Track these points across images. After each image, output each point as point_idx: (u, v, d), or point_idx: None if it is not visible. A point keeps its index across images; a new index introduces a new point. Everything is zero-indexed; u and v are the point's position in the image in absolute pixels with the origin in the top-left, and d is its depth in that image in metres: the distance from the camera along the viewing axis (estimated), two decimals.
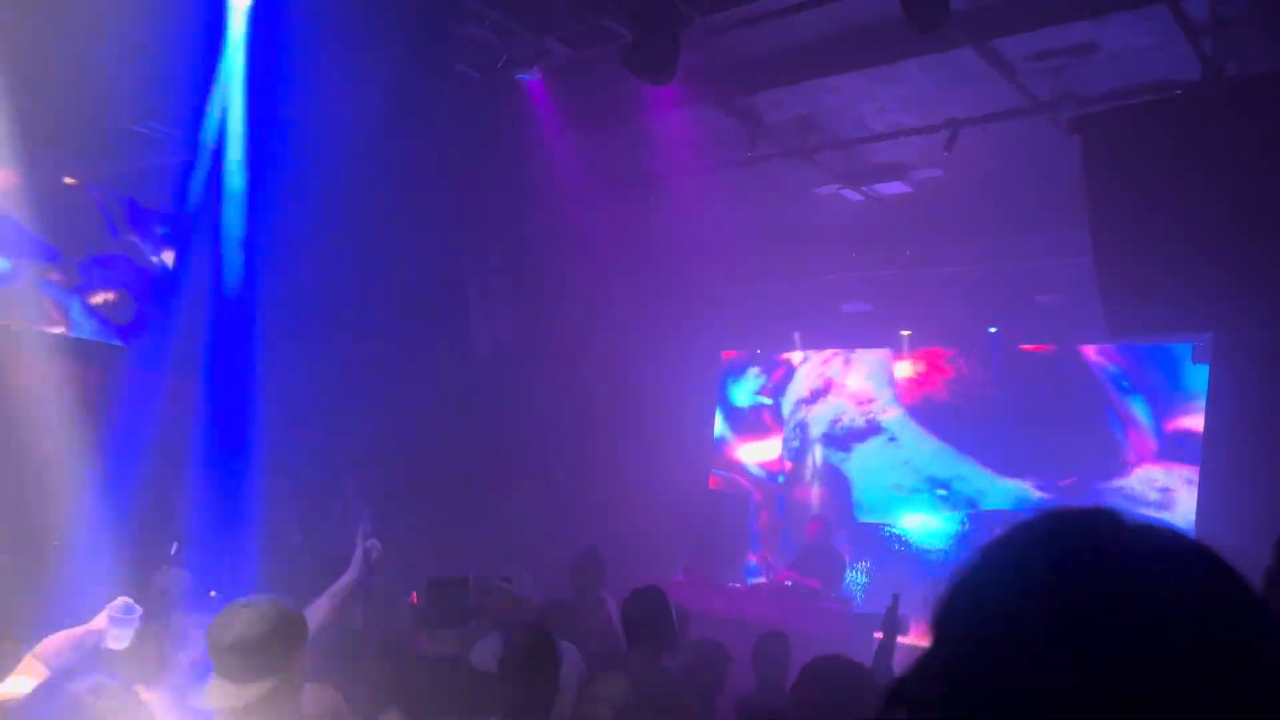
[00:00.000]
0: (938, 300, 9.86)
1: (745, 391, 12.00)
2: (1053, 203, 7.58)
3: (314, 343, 9.60)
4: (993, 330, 9.89)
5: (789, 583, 8.51)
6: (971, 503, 9.82)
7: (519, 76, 7.20)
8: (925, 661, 0.85)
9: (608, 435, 10.23)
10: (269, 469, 8.93)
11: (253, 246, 9.67)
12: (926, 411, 10.45)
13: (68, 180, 9.17)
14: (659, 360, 10.90)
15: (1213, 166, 5.87)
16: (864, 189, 8.84)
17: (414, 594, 5.26)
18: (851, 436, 10.91)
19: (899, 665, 4.23)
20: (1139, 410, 9.31)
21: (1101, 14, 5.87)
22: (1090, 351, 9.63)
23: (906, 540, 10.07)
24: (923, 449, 10.33)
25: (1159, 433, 9.19)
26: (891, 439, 10.61)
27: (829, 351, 11.38)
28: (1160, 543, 0.82)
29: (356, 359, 9.62)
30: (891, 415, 10.71)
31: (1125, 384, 9.43)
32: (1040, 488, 9.43)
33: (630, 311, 10.38)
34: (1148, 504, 8.77)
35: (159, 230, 10.38)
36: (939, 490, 10.05)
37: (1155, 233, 6.12)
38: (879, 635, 5.18)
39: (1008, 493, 9.57)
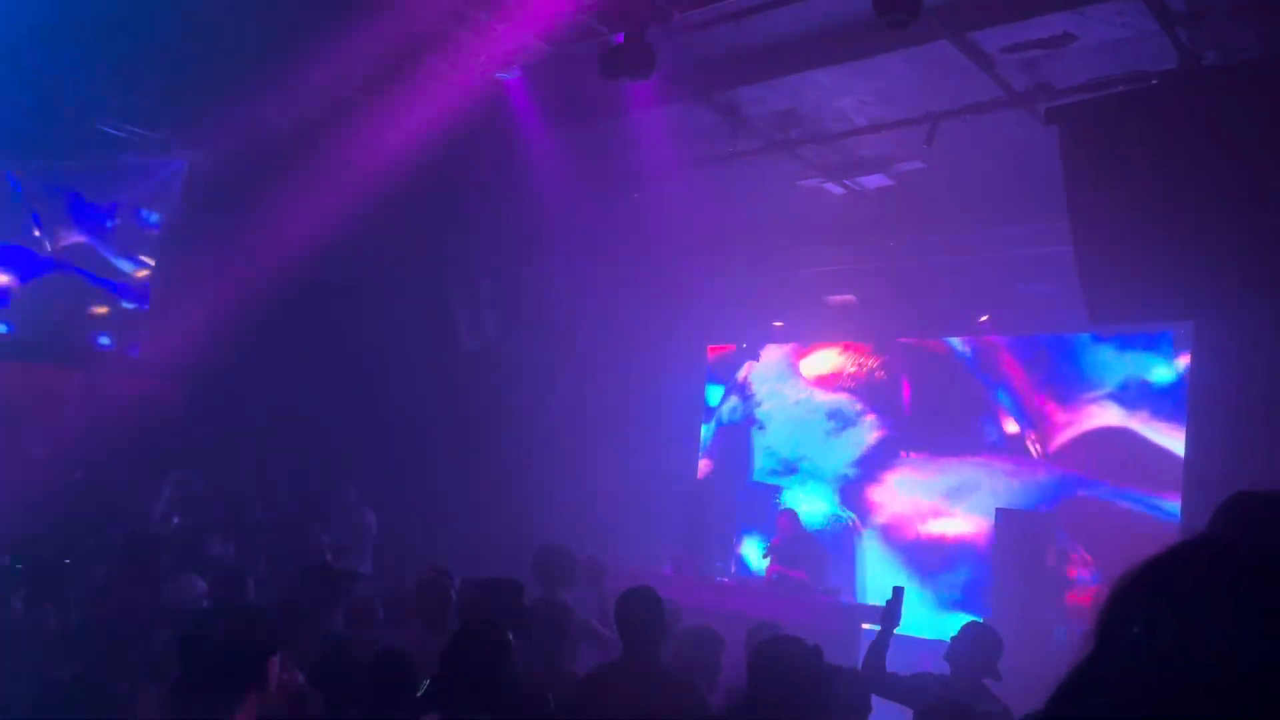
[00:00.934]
0: (923, 290, 9.91)
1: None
2: (1034, 192, 7.62)
3: (293, 344, 9.62)
4: (983, 319, 9.94)
5: (775, 576, 8.54)
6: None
7: (499, 75, 7.19)
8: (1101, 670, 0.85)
9: (594, 429, 10.26)
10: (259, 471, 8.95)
11: (228, 248, 9.67)
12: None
13: None
14: (645, 354, 10.93)
15: (1190, 154, 5.92)
16: (846, 182, 8.86)
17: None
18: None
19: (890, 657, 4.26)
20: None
21: (1079, 5, 5.90)
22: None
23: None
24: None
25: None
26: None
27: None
28: None
29: (339, 356, 9.63)
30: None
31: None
32: None
33: (615, 306, 10.41)
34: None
35: (111, 224, 10.41)
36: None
37: (1134, 220, 6.16)
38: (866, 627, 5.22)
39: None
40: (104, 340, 10.80)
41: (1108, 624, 0.86)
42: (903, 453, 10.41)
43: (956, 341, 10.37)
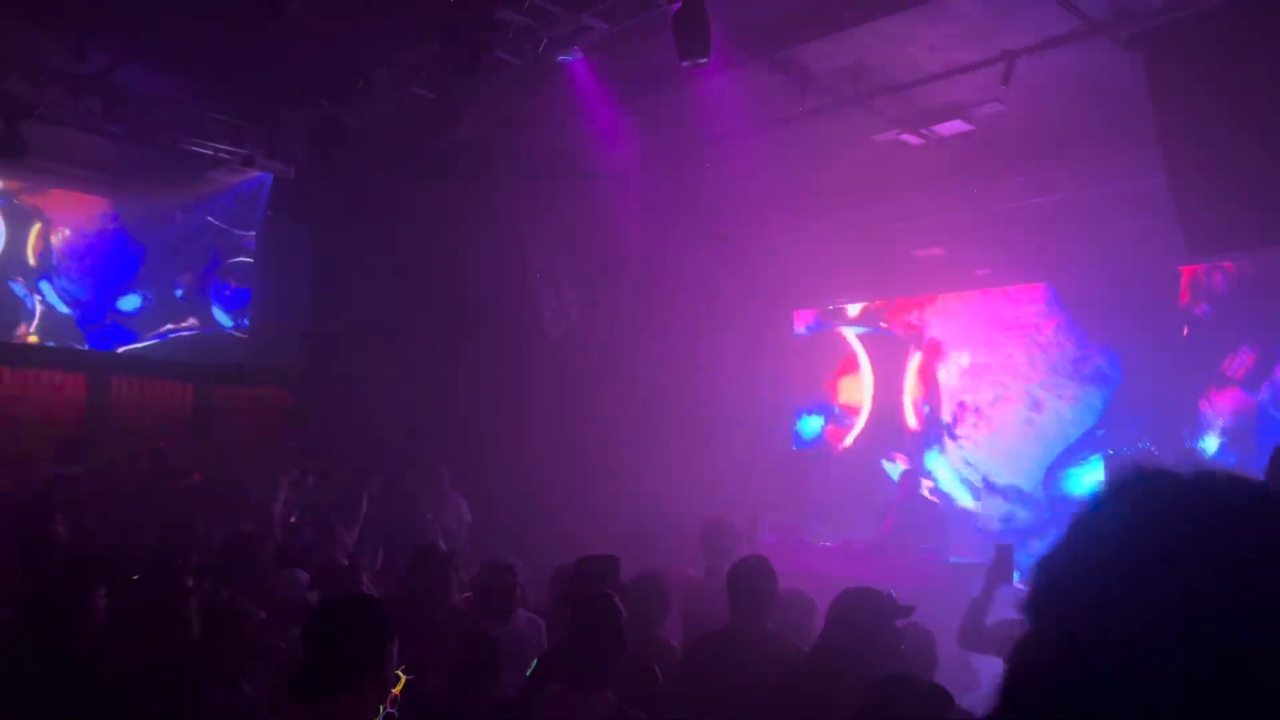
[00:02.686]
0: (1012, 236, 9.60)
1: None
2: (1121, 125, 7.31)
3: (386, 345, 9.87)
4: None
5: (889, 535, 8.46)
6: None
7: (560, 59, 7.21)
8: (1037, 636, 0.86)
9: (683, 402, 10.27)
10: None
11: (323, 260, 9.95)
12: None
13: None
14: (730, 322, 10.87)
15: None
16: (923, 131, 8.63)
17: None
18: None
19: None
20: None
21: None
22: None
23: None
24: None
25: None
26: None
27: None
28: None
29: (432, 346, 9.85)
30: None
31: None
32: None
33: (696, 276, 10.37)
34: None
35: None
36: None
37: (1230, 143, 5.85)
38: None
39: None
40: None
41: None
42: None
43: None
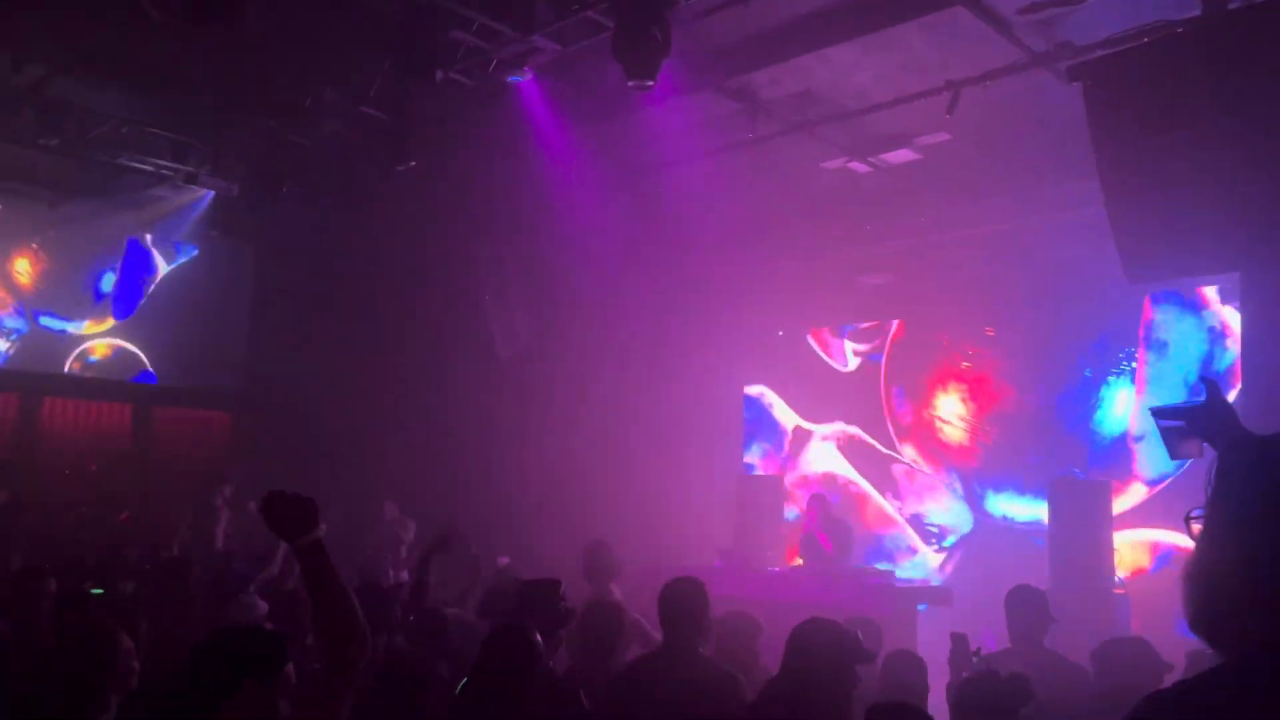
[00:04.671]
0: (960, 264, 9.74)
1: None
2: (1062, 155, 7.46)
3: (327, 365, 9.71)
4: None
5: (799, 561, 8.52)
6: None
7: (510, 79, 7.19)
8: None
9: (633, 427, 10.23)
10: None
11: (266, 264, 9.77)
12: None
13: None
14: (680, 348, 10.87)
15: (1220, 101, 5.72)
16: (871, 159, 8.74)
17: None
18: None
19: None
20: None
21: None
22: None
23: None
24: None
25: None
26: None
27: None
28: None
29: (379, 367, 9.72)
30: None
31: None
32: None
33: (647, 301, 10.36)
34: None
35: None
36: None
37: (1167, 174, 5.97)
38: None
39: None
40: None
41: None
42: None
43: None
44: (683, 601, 4.01)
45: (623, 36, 6.08)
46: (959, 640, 4.33)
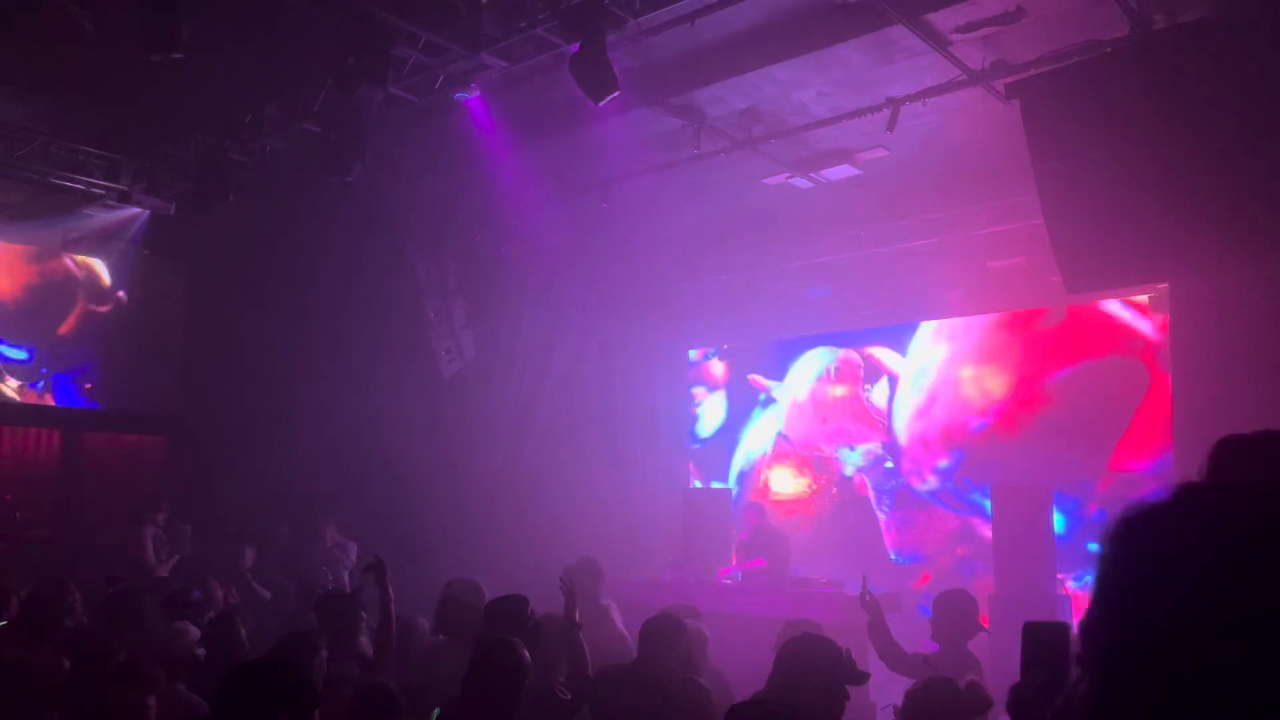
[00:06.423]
0: (899, 276, 9.92)
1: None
2: (1001, 170, 7.68)
3: (266, 385, 9.53)
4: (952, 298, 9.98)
5: (739, 574, 8.59)
6: None
7: (457, 95, 7.16)
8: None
9: (580, 442, 10.22)
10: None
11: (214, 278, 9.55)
12: None
13: None
14: (627, 363, 10.91)
15: (1149, 118, 5.96)
16: (813, 175, 8.88)
17: None
18: None
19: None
20: None
21: None
22: None
23: None
24: None
25: None
26: None
27: None
28: None
29: (318, 386, 9.56)
30: None
31: None
32: None
33: (593, 317, 10.38)
34: None
35: None
36: None
37: (1102, 188, 6.19)
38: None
39: None
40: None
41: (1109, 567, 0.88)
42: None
43: None
44: (665, 629, 4.22)
45: (579, 59, 6.12)
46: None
